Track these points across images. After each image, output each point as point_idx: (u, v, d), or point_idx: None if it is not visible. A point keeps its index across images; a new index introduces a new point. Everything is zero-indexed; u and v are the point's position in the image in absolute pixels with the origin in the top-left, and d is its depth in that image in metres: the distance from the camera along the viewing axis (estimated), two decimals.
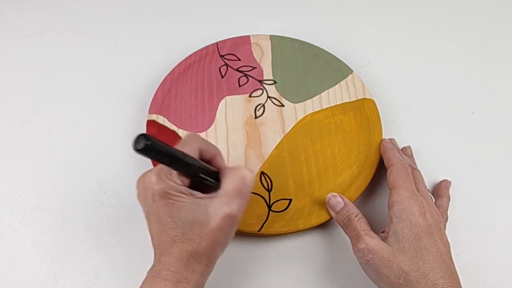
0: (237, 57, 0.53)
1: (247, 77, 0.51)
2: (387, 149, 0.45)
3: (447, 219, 0.42)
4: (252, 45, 0.54)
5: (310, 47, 0.54)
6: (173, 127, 0.47)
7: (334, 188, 0.44)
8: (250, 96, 0.50)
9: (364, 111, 0.49)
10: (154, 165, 0.44)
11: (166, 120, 0.48)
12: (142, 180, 0.33)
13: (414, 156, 0.47)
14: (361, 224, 0.39)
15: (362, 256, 0.37)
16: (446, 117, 0.52)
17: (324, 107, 0.49)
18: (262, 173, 0.45)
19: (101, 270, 0.41)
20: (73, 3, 0.60)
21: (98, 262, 0.42)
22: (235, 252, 0.42)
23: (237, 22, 0.59)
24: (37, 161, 0.47)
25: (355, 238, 0.38)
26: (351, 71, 0.52)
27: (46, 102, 0.51)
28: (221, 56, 0.53)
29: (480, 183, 0.47)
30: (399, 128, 0.50)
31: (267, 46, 0.54)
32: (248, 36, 0.54)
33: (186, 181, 0.34)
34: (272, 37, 0.54)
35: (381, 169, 0.46)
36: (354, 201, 0.43)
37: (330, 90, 0.51)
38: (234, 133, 0.47)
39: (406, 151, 0.47)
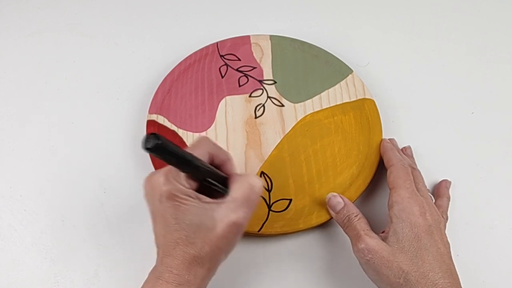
0: (237, 57, 0.53)
1: (247, 77, 0.51)
2: (387, 149, 0.45)
3: (447, 219, 0.42)
4: (252, 45, 0.54)
5: (310, 47, 0.54)
6: (173, 127, 0.47)
7: (334, 188, 0.44)
8: (250, 96, 0.50)
9: (364, 111, 0.49)
10: (155, 166, 0.44)
11: (166, 120, 0.48)
12: (150, 180, 0.33)
13: (414, 156, 0.47)
14: (361, 224, 0.39)
15: (362, 256, 0.37)
16: (446, 117, 0.52)
17: (324, 107, 0.49)
18: (262, 173, 0.45)
19: (101, 270, 0.41)
20: (73, 3, 0.60)
21: (98, 262, 0.42)
22: (235, 252, 0.41)
23: (237, 22, 0.59)
24: (37, 161, 0.47)
25: (355, 238, 0.38)
26: (351, 71, 0.52)
27: (46, 102, 0.51)
28: (221, 56, 0.53)
29: (480, 183, 0.47)
30: (399, 128, 0.50)
31: (267, 46, 0.54)
32: (248, 36, 0.54)
33: (194, 184, 0.34)
34: (272, 37, 0.54)
35: (381, 169, 0.46)
36: (354, 201, 0.43)
37: (330, 90, 0.51)
38: (234, 133, 0.47)
39: (406, 151, 0.47)
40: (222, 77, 0.51)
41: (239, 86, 0.51)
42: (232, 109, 0.49)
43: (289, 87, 0.51)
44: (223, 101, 0.49)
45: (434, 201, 0.42)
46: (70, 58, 0.55)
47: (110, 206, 0.44)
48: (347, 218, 0.40)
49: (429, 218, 0.37)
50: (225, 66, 0.52)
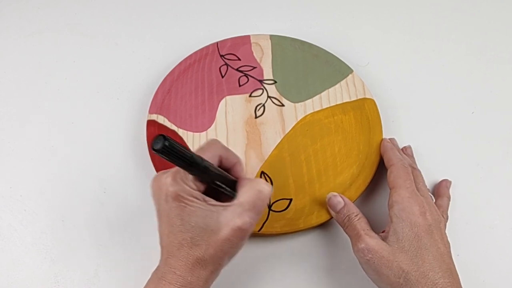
0: (237, 57, 0.53)
1: (247, 77, 0.51)
2: (387, 149, 0.45)
3: (447, 218, 0.42)
4: (252, 45, 0.54)
5: (310, 47, 0.54)
6: (173, 127, 0.47)
7: (334, 188, 0.44)
8: (250, 96, 0.50)
9: (364, 111, 0.49)
10: (156, 166, 0.44)
11: (166, 120, 0.48)
12: (157, 180, 0.33)
13: (414, 156, 0.47)
14: (361, 223, 0.39)
15: (362, 256, 0.37)
16: (446, 117, 0.52)
17: (324, 107, 0.49)
18: (262, 173, 0.45)
19: (101, 270, 0.41)
20: (73, 3, 0.60)
21: (98, 262, 0.42)
22: None
23: (237, 22, 0.59)
24: (37, 161, 0.47)
25: (355, 237, 0.38)
26: (351, 70, 0.52)
27: (46, 102, 0.51)
28: (221, 56, 0.53)
29: (480, 183, 0.47)
30: (399, 128, 0.50)
31: (267, 46, 0.54)
32: (248, 36, 0.54)
33: (202, 186, 0.33)
34: (272, 37, 0.54)
35: (381, 169, 0.46)
36: (354, 200, 0.43)
37: (330, 89, 0.51)
38: (234, 133, 0.47)
39: (406, 151, 0.47)
40: (222, 77, 0.51)
41: (239, 86, 0.50)
42: (232, 109, 0.49)
43: (289, 87, 0.51)
44: (223, 101, 0.49)
45: (434, 200, 0.42)
46: (70, 58, 0.55)
47: (110, 206, 0.44)
48: (347, 217, 0.40)
49: (429, 218, 0.37)
50: (225, 66, 0.52)
